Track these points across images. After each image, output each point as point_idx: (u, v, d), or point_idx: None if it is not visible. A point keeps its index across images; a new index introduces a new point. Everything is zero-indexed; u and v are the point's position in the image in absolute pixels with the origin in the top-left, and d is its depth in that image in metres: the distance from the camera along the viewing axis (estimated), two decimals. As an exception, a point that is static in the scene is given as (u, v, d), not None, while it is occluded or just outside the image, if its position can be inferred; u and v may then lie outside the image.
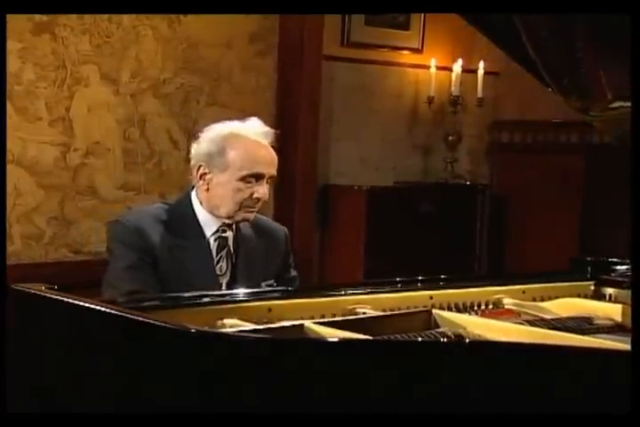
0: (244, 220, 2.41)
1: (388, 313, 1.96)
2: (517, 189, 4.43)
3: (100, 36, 3.47)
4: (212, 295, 2.06)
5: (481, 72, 4.21)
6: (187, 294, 2.11)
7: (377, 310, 2.05)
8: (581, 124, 4.48)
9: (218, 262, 2.41)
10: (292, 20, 3.88)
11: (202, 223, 2.40)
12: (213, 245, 2.40)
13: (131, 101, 3.54)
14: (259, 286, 2.41)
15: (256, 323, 1.88)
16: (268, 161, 2.37)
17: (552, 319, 2.03)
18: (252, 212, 2.40)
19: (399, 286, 2.20)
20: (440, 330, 1.85)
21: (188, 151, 3.60)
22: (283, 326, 1.80)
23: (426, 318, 1.94)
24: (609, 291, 2.41)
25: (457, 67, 4.18)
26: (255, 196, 2.34)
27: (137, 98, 3.55)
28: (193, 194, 2.43)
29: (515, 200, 4.43)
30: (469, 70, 4.24)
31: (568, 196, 4.34)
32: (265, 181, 2.36)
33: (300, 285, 2.48)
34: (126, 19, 3.51)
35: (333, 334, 1.71)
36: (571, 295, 2.34)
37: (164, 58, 3.60)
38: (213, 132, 2.40)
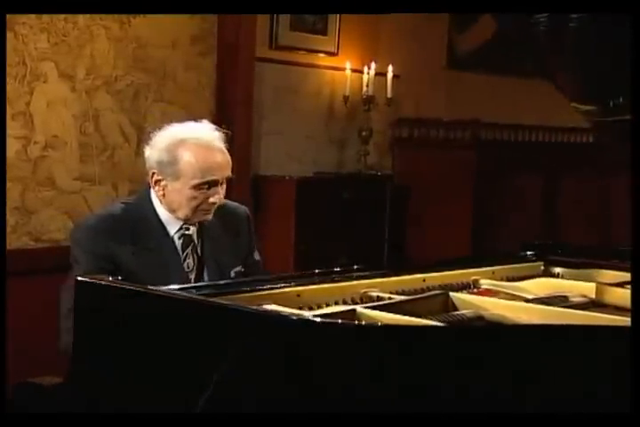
0: (203, 221, 2.30)
1: (417, 296, 1.99)
2: (417, 180, 4.61)
3: (58, 34, 3.35)
4: (246, 282, 2.09)
5: (390, 75, 4.36)
6: (221, 283, 2.14)
7: (384, 291, 2.08)
8: (472, 122, 4.75)
9: (185, 260, 2.30)
10: (229, 23, 3.87)
11: (164, 222, 2.29)
12: (178, 243, 2.30)
13: (86, 97, 3.44)
14: (228, 276, 2.32)
15: (291, 308, 1.84)
16: (221, 165, 2.24)
17: (537, 298, 2.09)
18: (208, 214, 2.29)
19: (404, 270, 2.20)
20: (466, 311, 1.89)
21: (138, 144, 3.64)
22: (339, 311, 1.80)
23: (444, 300, 1.99)
24: (557, 270, 2.55)
25: (372, 69, 4.31)
26: (210, 200, 2.24)
27: (91, 94, 3.45)
28: (152, 193, 2.30)
29: (415, 190, 4.61)
30: (379, 73, 4.38)
31: (462, 186, 4.57)
32: (219, 185, 2.24)
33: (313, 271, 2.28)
34: (81, 19, 3.40)
35: (388, 318, 1.71)
36: (527, 275, 2.51)
37: (116, 57, 3.51)
38: (165, 139, 2.25)
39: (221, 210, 2.35)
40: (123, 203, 2.34)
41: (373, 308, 1.84)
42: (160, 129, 2.28)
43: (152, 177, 2.25)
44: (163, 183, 2.23)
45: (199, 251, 2.33)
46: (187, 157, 2.19)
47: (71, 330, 1.84)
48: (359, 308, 1.83)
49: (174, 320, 1.68)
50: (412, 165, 4.65)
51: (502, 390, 1.44)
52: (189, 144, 2.21)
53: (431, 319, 1.74)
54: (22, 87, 3.27)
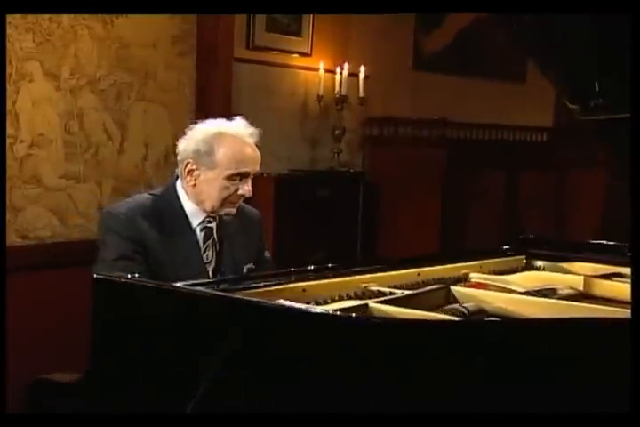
0: (227, 214, 2.38)
1: (421, 290, 2.01)
2: (387, 178, 4.66)
3: (42, 34, 3.31)
4: (251, 278, 2.09)
5: (362, 75, 4.41)
6: (227, 278, 2.15)
7: (382, 285, 2.11)
8: (440, 121, 4.82)
9: (204, 252, 2.37)
10: (208, 24, 3.86)
11: (189, 215, 2.36)
12: (200, 235, 2.36)
13: (70, 97, 3.41)
14: (242, 270, 2.41)
15: (300, 303, 1.83)
16: (254, 159, 2.34)
17: (532, 291, 2.10)
18: (234, 207, 2.37)
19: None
20: (467, 305, 1.90)
21: (121, 143, 3.63)
22: (353, 306, 1.80)
23: (445, 294, 2.02)
24: (538, 263, 2.61)
25: (345, 70, 4.35)
26: (240, 193, 2.33)
27: (76, 93, 3.42)
28: (178, 185, 2.38)
29: (385, 187, 4.66)
30: (351, 73, 4.42)
31: (431, 182, 4.64)
32: (249, 178, 2.34)
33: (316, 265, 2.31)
34: (65, 19, 3.37)
35: (402, 312, 1.72)
36: (512, 268, 2.57)
37: (100, 56, 3.48)
38: (202, 131, 2.34)
39: (238, 210, 2.43)
40: (150, 194, 2.41)
41: (383, 302, 1.86)
42: (195, 123, 2.38)
43: (185, 167, 2.33)
44: (196, 173, 2.31)
45: (217, 245, 2.40)
46: (223, 149, 2.29)
47: None
48: (371, 303, 1.84)
49: (194, 317, 1.67)
50: (382, 162, 4.70)
51: (527, 385, 1.44)
52: (227, 136, 2.31)
53: (441, 313, 1.78)
54: (8, 86, 3.22)
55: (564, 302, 1.96)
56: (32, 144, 3.32)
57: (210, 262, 2.39)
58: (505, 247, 2.75)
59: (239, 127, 2.37)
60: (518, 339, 1.43)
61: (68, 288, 3.41)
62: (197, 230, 2.37)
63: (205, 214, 2.37)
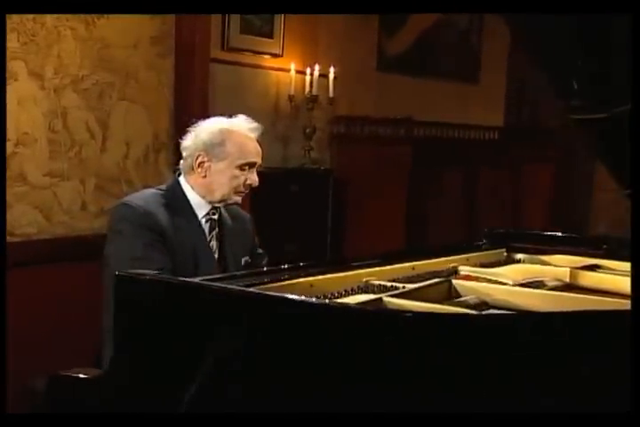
0: (235, 202, 2.50)
1: (425, 284, 2.04)
2: (355, 174, 4.71)
3: (27, 34, 3.27)
4: (258, 273, 2.10)
5: (332, 76, 4.45)
6: (237, 274, 2.15)
7: (382, 280, 2.14)
8: (405, 120, 4.90)
9: (210, 241, 2.47)
10: (186, 26, 3.85)
11: (194, 207, 2.44)
12: (205, 226, 2.46)
13: (54, 96, 3.37)
14: (240, 262, 2.53)
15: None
16: (259, 151, 2.49)
17: (519, 283, 2.16)
18: (241, 196, 2.49)
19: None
20: (469, 297, 1.96)
21: (103, 141, 3.61)
22: (369, 300, 1.83)
23: (448, 287, 2.06)
24: (518, 256, 2.68)
25: (315, 71, 4.39)
26: (248, 182, 2.45)
27: (59, 92, 3.38)
28: (182, 181, 2.47)
29: (352, 184, 4.71)
30: (321, 74, 4.46)
31: (397, 179, 4.72)
32: (255, 169, 2.47)
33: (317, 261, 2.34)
34: (49, 19, 3.34)
35: (417, 306, 1.73)
36: (495, 261, 2.63)
37: (82, 56, 3.44)
38: (210, 126, 2.47)
39: (232, 213, 2.57)
40: (155, 189, 2.48)
41: (394, 296, 1.88)
42: (202, 120, 2.50)
43: (196, 160, 2.42)
44: (207, 164, 2.42)
45: (220, 236, 2.49)
46: (233, 140, 2.42)
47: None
48: (385, 297, 1.86)
49: (217, 313, 1.66)
50: (349, 159, 4.76)
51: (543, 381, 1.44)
52: (236, 130, 2.45)
53: (454, 306, 1.82)
54: (-6, 86, 3.20)
55: (567, 294, 2.02)
56: (17, 143, 3.27)
57: (215, 251, 2.49)
58: (484, 242, 2.82)
59: (243, 123, 2.51)
60: (548, 333, 1.44)
61: (55, 284, 3.40)
62: (203, 222, 2.46)
63: (210, 207, 2.47)
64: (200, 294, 1.70)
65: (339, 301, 1.88)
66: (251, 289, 1.73)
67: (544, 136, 6.15)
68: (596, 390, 1.43)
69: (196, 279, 1.84)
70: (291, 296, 1.62)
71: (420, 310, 1.70)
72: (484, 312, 1.83)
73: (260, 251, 2.70)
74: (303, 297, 1.63)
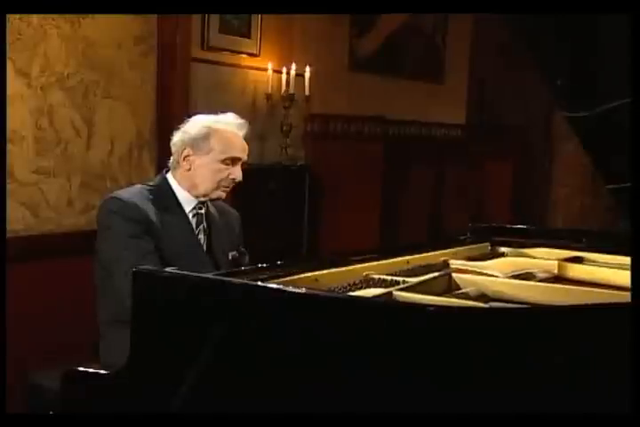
0: (218, 198, 2.49)
1: (428, 277, 2.05)
2: (329, 171, 4.74)
3: (14, 33, 3.22)
4: (262, 268, 2.03)
5: (308, 75, 4.48)
6: (238, 270, 2.13)
7: (380, 274, 2.15)
8: (378, 118, 4.96)
9: (197, 235, 2.48)
10: (167, 26, 3.84)
11: (181, 201, 2.46)
12: (192, 220, 2.47)
13: (41, 94, 3.34)
14: (227, 256, 2.54)
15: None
16: (244, 147, 2.49)
17: (509, 275, 2.18)
18: (225, 191, 2.49)
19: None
20: (469, 289, 1.99)
21: (89, 139, 3.60)
22: (380, 294, 1.82)
23: (448, 280, 2.08)
24: (502, 249, 2.71)
25: (292, 70, 4.42)
26: (231, 177, 2.45)
27: (46, 90, 3.36)
28: (169, 177, 2.48)
29: (327, 180, 4.75)
30: (297, 74, 4.49)
31: (370, 176, 4.77)
32: (239, 164, 2.47)
33: (317, 256, 2.39)
34: (35, 18, 3.30)
35: (427, 299, 1.74)
36: (481, 254, 2.67)
37: (68, 55, 3.41)
38: (198, 121, 2.48)
39: (219, 209, 2.58)
40: (142, 185, 2.48)
41: (402, 290, 1.89)
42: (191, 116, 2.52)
43: (182, 154, 2.43)
44: (192, 158, 2.43)
45: (207, 230, 2.50)
46: (218, 135, 2.43)
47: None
48: (394, 291, 1.87)
49: (242, 310, 1.65)
50: (324, 156, 4.80)
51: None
52: (222, 125, 2.46)
53: (459, 298, 1.86)
54: (-19, 84, 3.16)
55: (567, 286, 2.06)
56: (6, 140, 3.25)
57: (202, 245, 2.50)
58: (467, 235, 2.88)
59: (230, 119, 2.51)
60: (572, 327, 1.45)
61: (43, 280, 3.38)
62: (190, 216, 2.47)
63: (196, 201, 2.48)
64: (222, 290, 1.69)
65: (351, 294, 1.89)
66: (280, 286, 1.70)
67: (505, 134, 6.28)
68: (599, 388, 1.45)
69: (209, 275, 1.83)
70: (323, 293, 1.62)
71: (432, 302, 1.71)
72: (488, 304, 1.86)
73: (242, 249, 2.67)
74: (336, 293, 1.62)
